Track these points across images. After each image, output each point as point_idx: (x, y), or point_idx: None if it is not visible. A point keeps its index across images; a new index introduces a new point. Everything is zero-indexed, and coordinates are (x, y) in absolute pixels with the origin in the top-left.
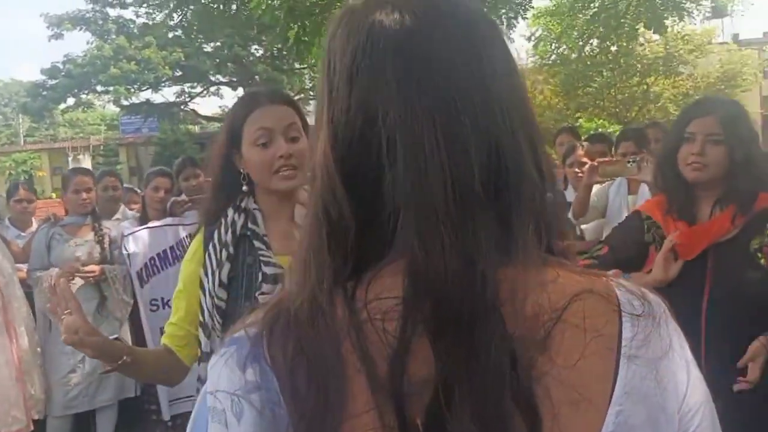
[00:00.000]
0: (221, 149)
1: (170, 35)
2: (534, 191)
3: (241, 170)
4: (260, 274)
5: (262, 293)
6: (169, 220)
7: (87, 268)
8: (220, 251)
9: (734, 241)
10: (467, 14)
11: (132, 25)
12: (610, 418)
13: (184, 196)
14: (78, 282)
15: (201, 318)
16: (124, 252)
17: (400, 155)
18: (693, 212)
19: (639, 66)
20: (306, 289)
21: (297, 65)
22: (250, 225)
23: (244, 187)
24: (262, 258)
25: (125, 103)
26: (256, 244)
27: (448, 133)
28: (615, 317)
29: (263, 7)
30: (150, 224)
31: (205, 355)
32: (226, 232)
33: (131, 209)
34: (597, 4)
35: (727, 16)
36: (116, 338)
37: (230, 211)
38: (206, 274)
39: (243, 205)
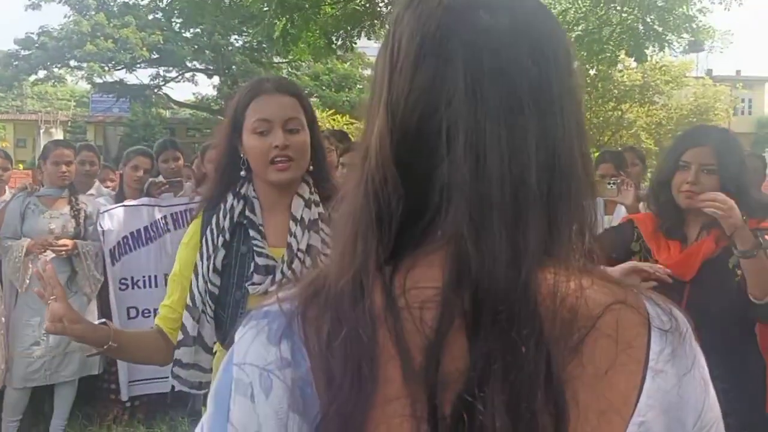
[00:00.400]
0: (225, 132)
1: (150, 17)
2: (581, 195)
3: (242, 155)
4: (252, 264)
5: (253, 283)
6: (145, 200)
7: (60, 242)
8: (217, 237)
9: (716, 261)
10: (539, 15)
11: (112, 3)
12: (632, 428)
13: (161, 178)
14: (49, 254)
15: (189, 301)
16: (99, 228)
17: (460, 143)
18: (684, 233)
19: (616, 92)
20: (350, 270)
21: (276, 59)
22: (247, 213)
23: (243, 173)
24: (255, 248)
25: (98, 80)
26: (252, 233)
27: (511, 126)
28: (644, 330)
29: None
30: (126, 202)
31: (191, 339)
32: (224, 218)
33: (107, 187)
34: (581, 28)
35: (703, 50)
36: (103, 323)
37: (230, 197)
38: (201, 259)
39: (242, 191)
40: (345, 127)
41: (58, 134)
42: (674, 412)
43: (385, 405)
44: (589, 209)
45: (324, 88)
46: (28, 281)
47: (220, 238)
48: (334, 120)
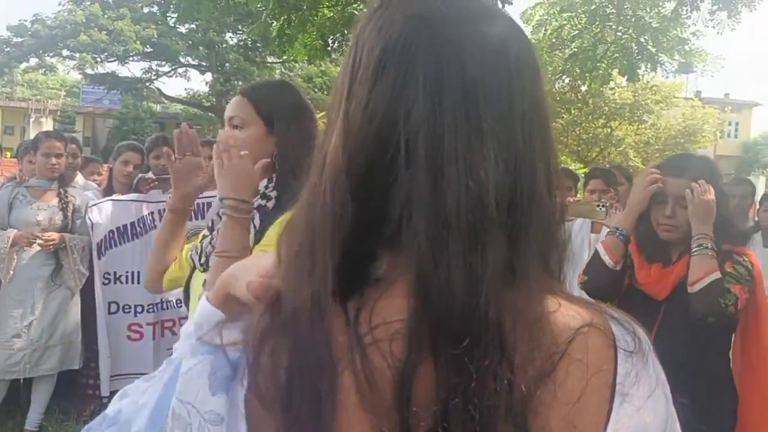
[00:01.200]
0: None
1: (145, 10)
2: (545, 215)
3: None
4: None
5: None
6: (134, 195)
7: (46, 236)
8: None
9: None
10: (504, 27)
11: None
12: None
13: (151, 174)
14: (35, 246)
15: None
16: (88, 221)
17: (420, 158)
18: (667, 256)
19: (606, 109)
20: (308, 288)
21: (270, 59)
22: None
23: None
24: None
25: (90, 71)
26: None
27: (469, 142)
28: (611, 353)
29: None
30: (115, 197)
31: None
32: None
33: (94, 180)
34: (576, 45)
35: (693, 71)
36: None
37: None
38: None
39: None
40: None
41: (48, 123)
42: None
43: None
44: (555, 229)
45: (316, 90)
46: (12, 272)
47: None
48: (323, 122)
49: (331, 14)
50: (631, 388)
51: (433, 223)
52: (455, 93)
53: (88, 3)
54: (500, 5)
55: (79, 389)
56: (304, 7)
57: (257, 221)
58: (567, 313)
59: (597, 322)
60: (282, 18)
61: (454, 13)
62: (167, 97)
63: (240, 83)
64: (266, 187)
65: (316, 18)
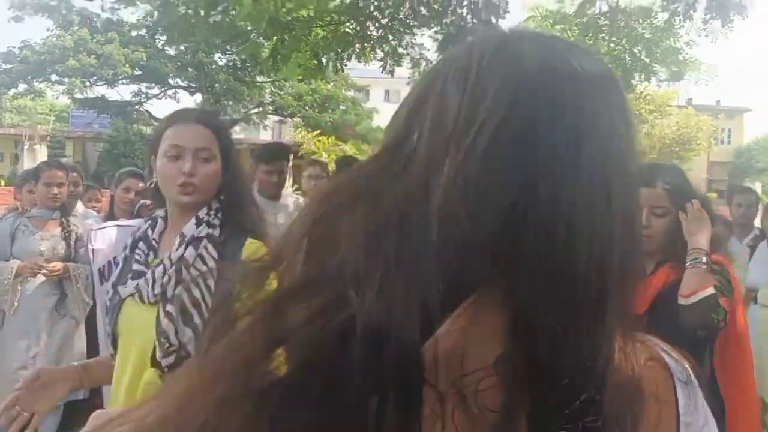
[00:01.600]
0: (148, 156)
1: (134, 33)
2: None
3: (154, 177)
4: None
5: (124, 285)
6: (138, 221)
7: (50, 266)
8: (121, 252)
9: (668, 293)
10: (621, 92)
11: (96, 19)
12: None
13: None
14: (39, 277)
15: None
16: (90, 246)
17: (560, 216)
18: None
19: None
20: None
21: (259, 78)
22: (148, 230)
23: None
24: (135, 257)
25: (79, 96)
26: (139, 245)
27: (600, 213)
28: (671, 384)
29: (247, 14)
30: (119, 222)
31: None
32: (131, 236)
33: (93, 207)
34: None
35: (682, 79)
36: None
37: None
38: None
39: (158, 212)
40: (330, 148)
41: (43, 150)
42: None
43: None
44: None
45: (307, 108)
46: (16, 303)
47: (122, 254)
48: (319, 141)
49: (324, 33)
50: (691, 416)
51: (560, 287)
52: (592, 166)
53: (76, 28)
54: (494, 20)
55: (86, 419)
56: (297, 27)
57: (211, 250)
58: (635, 348)
59: (656, 355)
60: (275, 38)
61: (588, 75)
62: (157, 120)
63: (230, 103)
64: (208, 214)
65: (309, 38)
